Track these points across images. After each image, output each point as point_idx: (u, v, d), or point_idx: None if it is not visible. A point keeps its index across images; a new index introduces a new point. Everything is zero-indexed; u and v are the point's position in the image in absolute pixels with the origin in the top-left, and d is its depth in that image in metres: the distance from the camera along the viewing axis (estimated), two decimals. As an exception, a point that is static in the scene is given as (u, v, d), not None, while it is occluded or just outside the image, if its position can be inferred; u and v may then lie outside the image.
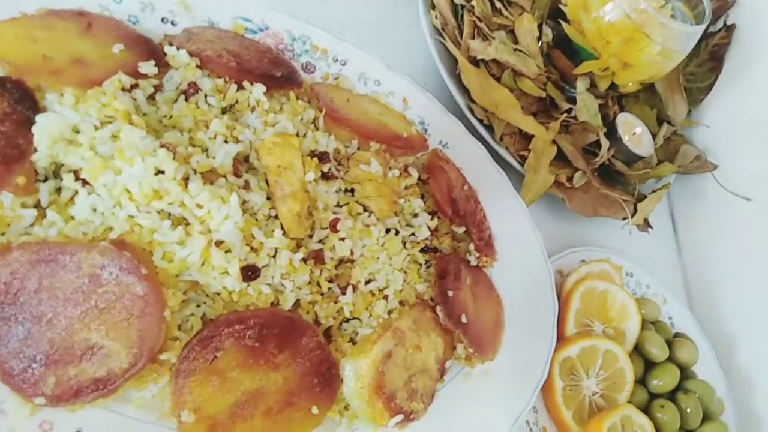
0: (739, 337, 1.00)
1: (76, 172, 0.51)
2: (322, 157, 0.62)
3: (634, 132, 1.03)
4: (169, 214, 0.51)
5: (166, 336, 0.50)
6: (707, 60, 1.17)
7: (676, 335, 0.93)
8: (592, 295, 0.85)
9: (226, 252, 0.52)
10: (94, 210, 0.50)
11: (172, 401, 0.50)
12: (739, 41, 1.13)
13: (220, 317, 0.53)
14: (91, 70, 0.55)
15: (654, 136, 1.06)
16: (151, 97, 0.58)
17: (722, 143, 1.12)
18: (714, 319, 1.03)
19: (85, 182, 0.50)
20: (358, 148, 0.69)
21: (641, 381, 0.85)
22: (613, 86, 1.04)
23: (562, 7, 1.00)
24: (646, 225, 1.00)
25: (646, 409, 0.82)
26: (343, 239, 0.60)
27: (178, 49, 0.61)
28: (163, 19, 0.69)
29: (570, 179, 0.93)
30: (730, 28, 1.14)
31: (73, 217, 0.50)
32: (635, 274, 0.97)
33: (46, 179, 0.52)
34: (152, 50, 0.60)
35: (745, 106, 1.10)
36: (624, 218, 0.97)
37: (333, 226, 0.59)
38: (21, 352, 0.46)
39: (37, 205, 0.50)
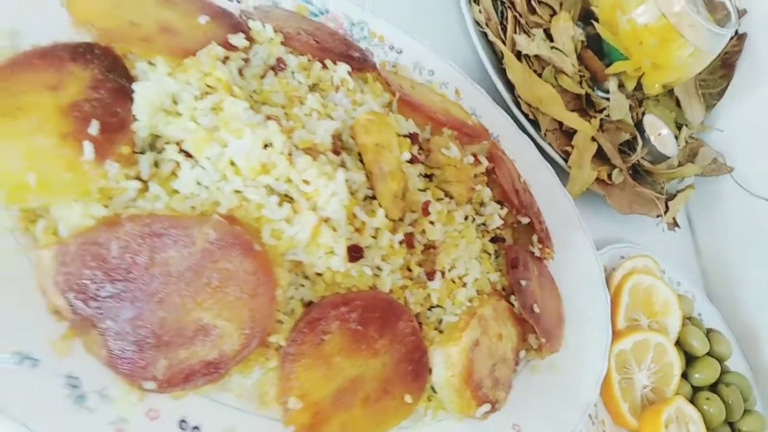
0: (761, 333, 1.03)
1: (177, 144, 0.48)
2: (413, 138, 0.61)
3: (660, 133, 1.06)
4: (272, 190, 0.49)
5: (275, 317, 0.47)
6: (719, 67, 1.22)
7: (708, 330, 0.95)
8: (639, 290, 0.86)
9: (335, 232, 0.49)
10: (198, 184, 0.47)
11: (278, 387, 0.48)
12: (750, 49, 1.18)
13: (325, 299, 0.51)
14: (181, 39, 0.53)
15: (676, 138, 1.09)
16: (240, 72, 0.55)
17: (735, 146, 1.16)
18: (734, 317, 1.06)
19: (187, 154, 0.48)
20: (431, 134, 0.68)
21: (683, 375, 0.87)
22: (637, 88, 1.07)
23: (593, 9, 1.02)
24: (674, 223, 1.03)
25: (690, 402, 0.83)
26: (432, 223, 0.58)
27: (262, 23, 0.58)
28: (230, -2, 0.67)
29: (609, 176, 0.94)
30: (741, 37, 1.19)
31: (176, 191, 0.47)
32: (667, 271, 0.99)
33: (142, 151, 0.48)
34: (237, 24, 0.57)
35: (757, 112, 1.15)
36: (657, 216, 0.99)
37: (425, 209, 0.58)
38: (131, 332, 0.42)
39: (139, 178, 0.47)
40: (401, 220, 0.57)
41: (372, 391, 0.52)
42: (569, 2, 1.09)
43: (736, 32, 1.20)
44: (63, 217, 0.43)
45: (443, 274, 0.59)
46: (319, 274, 0.51)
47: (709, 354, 0.89)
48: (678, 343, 0.88)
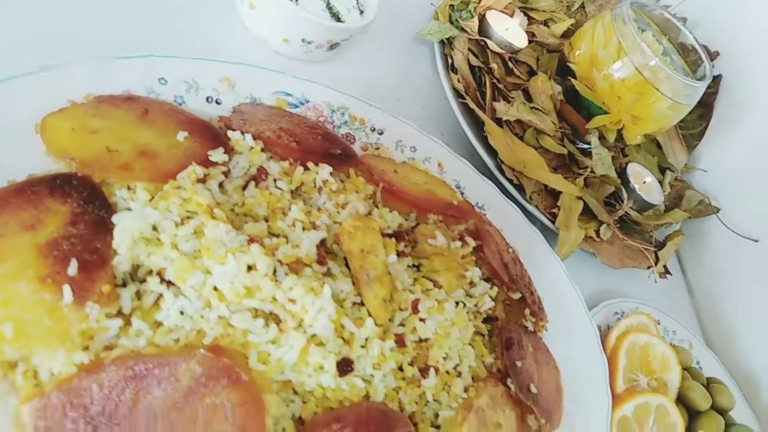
0: (759, 374, 1.02)
1: (159, 274, 0.47)
2: (399, 236, 0.61)
3: (644, 181, 1.07)
4: (259, 312, 0.49)
5: (267, 446, 0.46)
6: (697, 108, 1.23)
7: (709, 380, 0.94)
8: (635, 349, 0.85)
9: (324, 348, 0.49)
10: (182, 313, 0.47)
11: None
12: (726, 89, 1.20)
13: (316, 418, 0.50)
14: (160, 162, 0.53)
15: (660, 183, 1.10)
16: (219, 185, 0.55)
17: (720, 186, 1.17)
18: (733, 358, 1.05)
19: (170, 284, 0.47)
20: (416, 221, 0.68)
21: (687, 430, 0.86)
22: (618, 138, 1.08)
23: (570, 65, 1.04)
24: (666, 272, 1.03)
25: (698, 462, 0.82)
26: (423, 320, 0.58)
27: (242, 133, 0.58)
28: (208, 99, 0.67)
29: (597, 233, 0.95)
30: (716, 78, 1.20)
31: (159, 324, 0.46)
32: (662, 321, 0.99)
33: (124, 284, 0.48)
34: (216, 135, 0.58)
35: (738, 150, 1.16)
36: (648, 267, 0.99)
37: (414, 308, 0.57)
38: (117, 482, 0.41)
39: (119, 313, 0.46)
40: (391, 320, 0.57)
41: (372, 505, 0.51)
42: (545, 58, 1.11)
43: (713, 77, 1.22)
44: (43, 364, 0.43)
45: (437, 370, 0.59)
46: (310, 392, 0.51)
47: (712, 407, 0.88)
48: (679, 399, 0.87)
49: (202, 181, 0.53)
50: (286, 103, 0.72)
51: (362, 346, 0.53)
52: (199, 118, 0.60)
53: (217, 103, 0.67)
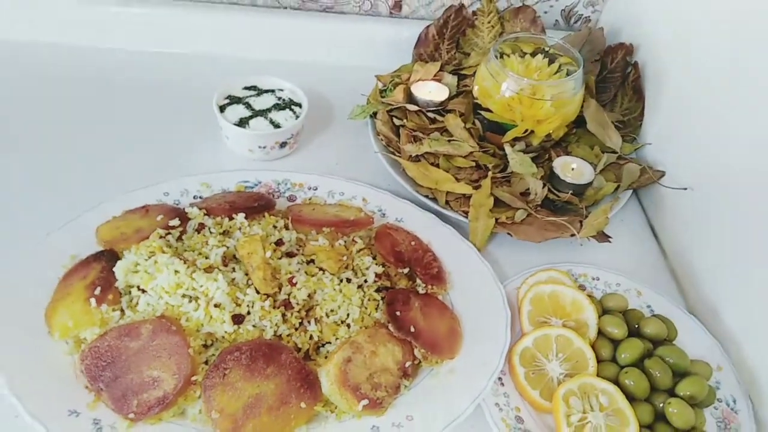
0: (720, 311, 1.08)
1: (138, 287, 0.89)
2: (279, 242, 0.97)
3: (572, 168, 1.26)
4: (186, 296, 0.87)
5: (194, 365, 0.83)
6: (632, 95, 1.40)
7: (655, 315, 1.06)
8: (542, 298, 1.03)
9: (221, 309, 0.85)
10: (148, 304, 0.87)
11: (203, 407, 0.81)
12: (648, 74, 1.36)
13: (224, 349, 0.85)
14: (145, 233, 0.97)
15: (594, 166, 1.27)
16: (179, 238, 0.98)
17: (664, 153, 1.30)
18: (709, 306, 1.12)
19: (143, 291, 0.89)
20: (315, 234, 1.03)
21: (614, 360, 0.99)
22: (548, 139, 1.30)
23: (475, 100, 1.32)
24: (604, 237, 1.18)
25: (617, 381, 0.95)
26: (299, 289, 0.91)
27: (193, 207, 1.02)
28: (194, 197, 1.12)
29: (511, 218, 1.17)
30: (635, 65, 1.38)
31: (137, 311, 0.88)
32: (601, 277, 1.13)
33: (123, 295, 0.91)
34: (179, 213, 1.01)
35: (669, 118, 1.29)
36: (571, 235, 1.16)
37: (290, 281, 0.91)
38: (118, 389, 0.81)
39: (121, 310, 0.89)
40: (280, 291, 0.91)
41: (273, 402, 0.82)
42: (470, 107, 1.39)
43: (630, 64, 1.40)
44: (85, 336, 0.86)
45: (317, 320, 0.90)
46: (222, 337, 0.86)
47: (638, 336, 1.00)
48: (602, 333, 1.01)
49: (164, 237, 0.95)
50: (244, 187, 1.15)
51: (252, 307, 0.88)
52: (173, 206, 1.04)
53: (200, 198, 1.12)
